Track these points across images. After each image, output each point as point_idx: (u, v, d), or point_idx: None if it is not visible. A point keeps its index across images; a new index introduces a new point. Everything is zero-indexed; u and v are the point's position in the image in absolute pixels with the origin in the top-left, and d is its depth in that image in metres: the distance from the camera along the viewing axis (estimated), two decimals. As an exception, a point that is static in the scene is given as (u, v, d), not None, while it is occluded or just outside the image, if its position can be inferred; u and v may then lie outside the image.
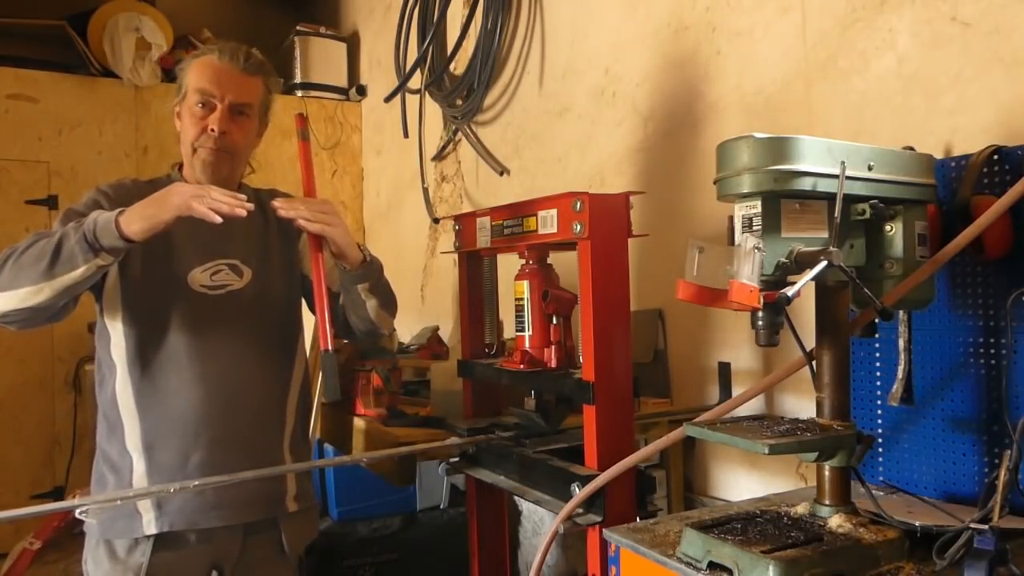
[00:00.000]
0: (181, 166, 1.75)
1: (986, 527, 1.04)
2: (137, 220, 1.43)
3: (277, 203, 1.59)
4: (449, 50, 3.31)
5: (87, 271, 1.45)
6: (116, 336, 1.64)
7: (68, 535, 3.07)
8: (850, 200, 1.17)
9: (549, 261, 1.80)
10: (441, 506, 2.12)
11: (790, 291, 1.08)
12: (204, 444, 1.62)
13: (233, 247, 1.70)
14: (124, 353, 1.62)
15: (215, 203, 1.42)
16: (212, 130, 1.65)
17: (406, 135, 3.62)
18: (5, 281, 1.47)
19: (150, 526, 1.59)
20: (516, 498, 2.27)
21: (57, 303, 1.50)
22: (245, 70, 1.69)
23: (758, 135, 1.12)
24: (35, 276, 1.45)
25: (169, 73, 4.07)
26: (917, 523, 1.16)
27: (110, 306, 1.64)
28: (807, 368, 1.28)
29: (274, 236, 1.78)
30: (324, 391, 1.55)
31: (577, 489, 1.49)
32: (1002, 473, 1.08)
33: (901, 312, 1.39)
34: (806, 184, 1.12)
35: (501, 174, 3.11)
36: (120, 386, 1.63)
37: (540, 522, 2.64)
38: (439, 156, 3.58)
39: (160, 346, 1.62)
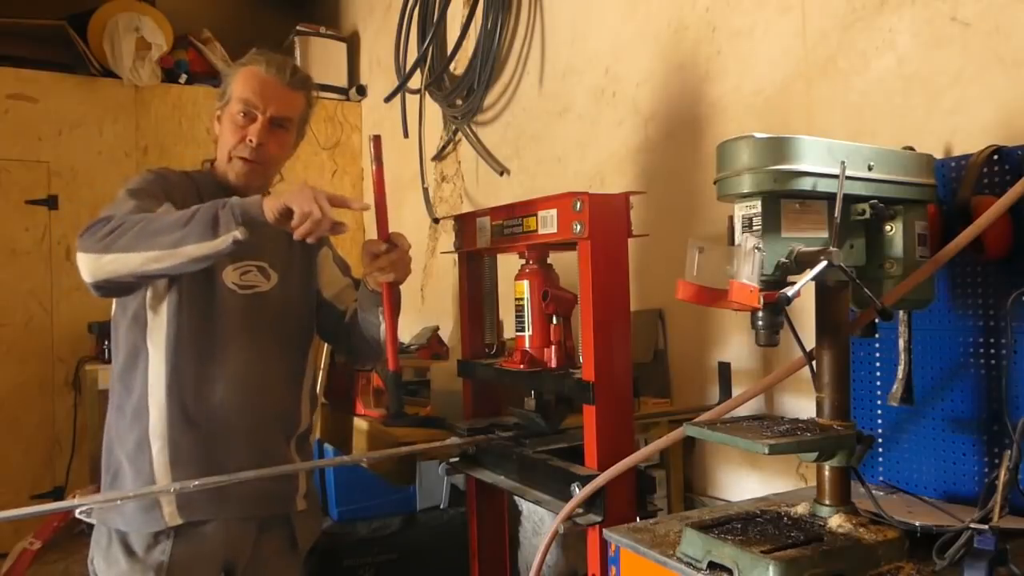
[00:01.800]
0: (212, 163, 1.78)
1: (986, 527, 1.04)
2: (274, 201, 1.43)
3: (370, 277, 1.65)
4: (449, 50, 3.31)
5: (222, 243, 1.43)
6: (157, 322, 1.63)
7: (68, 535, 3.07)
8: (850, 200, 1.17)
9: (549, 261, 1.80)
10: (441, 506, 2.12)
11: (790, 291, 1.08)
12: (224, 438, 1.63)
13: (263, 250, 1.72)
14: (164, 339, 1.63)
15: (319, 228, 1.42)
16: (250, 140, 1.68)
17: (406, 135, 3.62)
18: (124, 244, 1.45)
19: (173, 518, 1.59)
20: (516, 498, 2.27)
21: (168, 274, 1.51)
22: (290, 84, 1.72)
23: (758, 135, 1.12)
24: (165, 243, 1.44)
25: (169, 73, 4.08)
26: (917, 523, 1.16)
27: (156, 292, 1.64)
28: (807, 368, 1.27)
29: (297, 246, 1.79)
30: (390, 406, 1.72)
31: (577, 489, 1.49)
32: (1002, 473, 1.08)
33: (901, 312, 1.39)
34: (806, 184, 1.12)
35: (501, 174, 3.11)
36: (153, 373, 1.63)
37: (540, 522, 2.64)
38: (439, 156, 3.58)
39: (194, 337, 1.64)
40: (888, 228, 1.24)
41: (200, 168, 1.80)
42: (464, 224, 1.94)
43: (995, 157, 1.37)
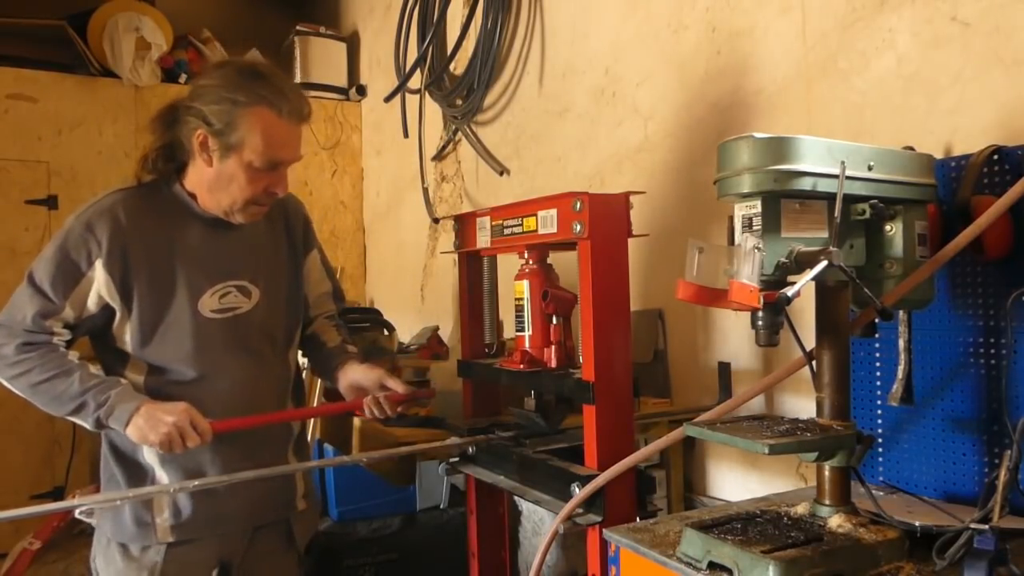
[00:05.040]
0: (179, 177, 1.66)
1: (986, 527, 1.04)
2: (135, 432, 1.52)
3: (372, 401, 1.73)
4: (449, 50, 3.31)
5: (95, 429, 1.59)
6: (133, 357, 1.62)
7: (68, 535, 3.07)
8: (850, 200, 1.17)
9: (549, 261, 1.80)
10: (441, 506, 2.13)
11: (790, 291, 1.08)
12: (220, 461, 1.63)
13: (242, 266, 1.67)
14: (142, 374, 1.61)
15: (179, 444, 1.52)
16: (278, 192, 1.60)
17: (406, 135, 3.62)
18: (22, 389, 1.65)
19: (165, 536, 1.61)
20: (516, 498, 2.27)
21: None
22: (302, 122, 1.60)
23: (758, 135, 1.12)
24: (53, 409, 1.61)
25: (169, 73, 4.08)
26: (917, 523, 1.16)
27: (121, 332, 1.61)
28: (807, 368, 1.28)
29: (283, 247, 1.77)
30: None
31: (577, 489, 1.49)
32: (1002, 473, 1.08)
33: (901, 312, 1.39)
34: (806, 184, 1.12)
35: (501, 174, 3.11)
36: None
37: (540, 522, 2.64)
38: (439, 156, 3.58)
39: (173, 369, 1.61)
40: (888, 228, 1.24)
41: (167, 179, 1.67)
42: (464, 224, 1.94)
43: (995, 157, 1.37)
